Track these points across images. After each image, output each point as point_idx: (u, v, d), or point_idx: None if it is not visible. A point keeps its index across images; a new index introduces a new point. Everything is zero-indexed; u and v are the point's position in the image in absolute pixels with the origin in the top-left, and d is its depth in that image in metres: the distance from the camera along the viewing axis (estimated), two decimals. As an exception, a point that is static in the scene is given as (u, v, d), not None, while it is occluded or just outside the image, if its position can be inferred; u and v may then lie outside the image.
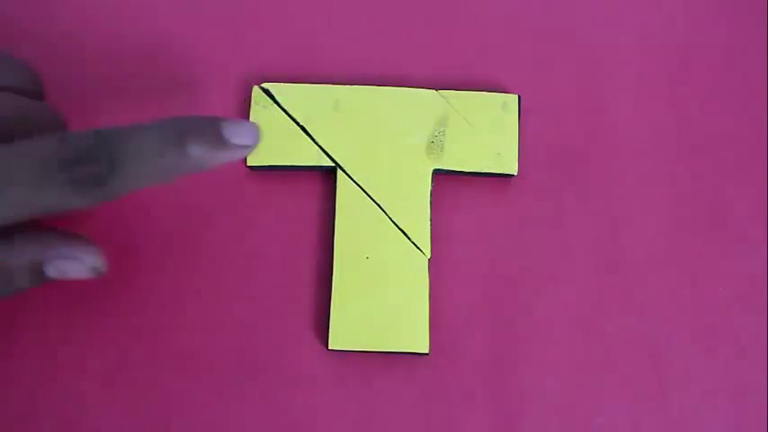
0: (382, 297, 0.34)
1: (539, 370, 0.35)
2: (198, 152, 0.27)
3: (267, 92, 0.36)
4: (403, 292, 0.34)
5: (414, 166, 0.35)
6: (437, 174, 0.36)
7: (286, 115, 0.35)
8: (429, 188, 0.35)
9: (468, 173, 0.35)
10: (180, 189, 0.36)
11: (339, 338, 0.33)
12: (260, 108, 0.35)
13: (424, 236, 0.35)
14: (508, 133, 0.36)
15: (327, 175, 0.36)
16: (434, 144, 0.35)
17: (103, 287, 0.35)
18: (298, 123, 0.35)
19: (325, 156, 0.35)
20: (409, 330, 0.34)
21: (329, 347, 0.34)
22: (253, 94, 0.36)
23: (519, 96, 0.36)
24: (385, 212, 0.35)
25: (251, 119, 0.35)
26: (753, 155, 0.38)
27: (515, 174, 0.36)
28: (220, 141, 0.28)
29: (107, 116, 0.37)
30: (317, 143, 0.35)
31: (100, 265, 0.31)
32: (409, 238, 0.35)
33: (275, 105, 0.35)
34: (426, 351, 0.34)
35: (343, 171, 0.35)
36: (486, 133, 0.36)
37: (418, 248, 0.35)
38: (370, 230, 0.34)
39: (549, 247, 0.36)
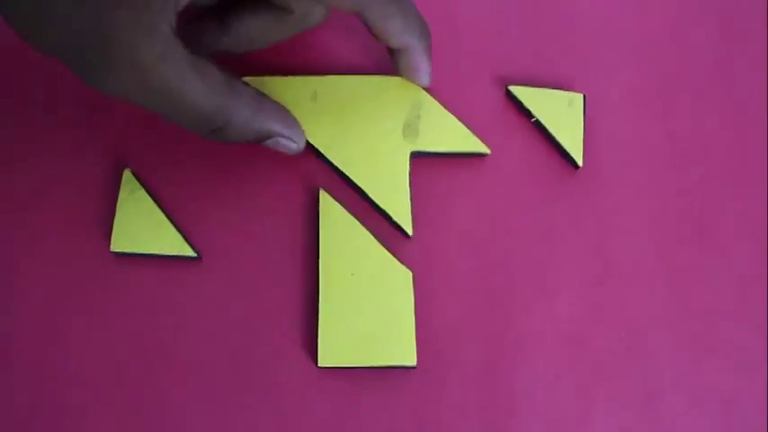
0: (369, 312, 0.35)
1: (528, 381, 0.35)
2: None
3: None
4: (389, 306, 0.35)
5: (391, 148, 0.36)
6: (415, 157, 0.37)
7: (152, 200, 0.35)
8: (407, 169, 0.36)
9: (444, 153, 0.37)
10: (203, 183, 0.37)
11: (328, 355, 0.34)
12: (128, 192, 0.35)
13: (405, 214, 0.36)
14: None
15: (311, 196, 0.36)
16: (410, 127, 0.36)
17: (99, 303, 0.35)
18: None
19: (187, 245, 0.35)
20: (396, 344, 0.34)
21: (318, 364, 0.34)
22: (123, 178, 0.36)
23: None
24: (366, 195, 0.36)
25: (119, 202, 0.35)
26: (740, 168, 0.38)
27: (489, 153, 0.37)
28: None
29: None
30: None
31: (303, 147, 0.35)
32: (391, 219, 0.36)
33: (143, 189, 0.36)
34: (414, 364, 0.34)
35: (324, 158, 0.36)
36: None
37: (401, 229, 0.36)
38: (354, 248, 0.35)
39: (538, 260, 0.37)
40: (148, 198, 0.35)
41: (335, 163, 0.36)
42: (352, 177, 0.36)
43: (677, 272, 0.37)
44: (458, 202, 0.37)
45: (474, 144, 0.37)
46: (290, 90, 0.36)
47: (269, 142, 0.33)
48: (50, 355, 0.35)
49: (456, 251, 0.37)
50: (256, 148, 0.35)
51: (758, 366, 0.36)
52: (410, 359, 0.34)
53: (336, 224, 0.35)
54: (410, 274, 0.35)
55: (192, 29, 0.32)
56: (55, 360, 0.35)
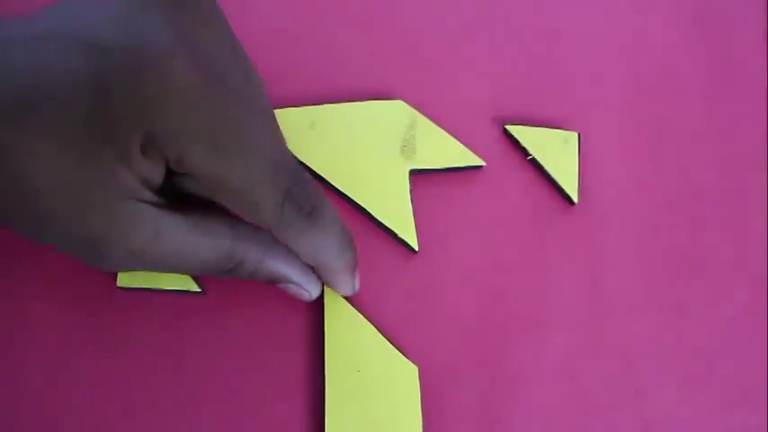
0: (375, 409, 0.35)
1: (524, 416, 0.35)
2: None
3: None
4: (395, 402, 0.35)
5: (391, 168, 0.37)
6: (414, 175, 0.38)
7: None
8: (408, 186, 0.37)
9: (441, 169, 0.38)
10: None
11: None
12: None
13: (409, 229, 0.37)
14: None
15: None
16: (407, 147, 0.38)
17: (105, 337, 0.35)
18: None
19: (191, 281, 0.35)
20: None
21: None
22: None
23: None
24: (370, 214, 0.37)
25: None
26: (734, 205, 0.39)
27: (484, 165, 0.38)
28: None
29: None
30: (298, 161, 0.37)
31: (316, 296, 0.34)
32: (396, 235, 0.37)
33: None
34: None
35: (326, 182, 0.37)
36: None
37: (406, 243, 0.37)
38: (359, 344, 0.35)
39: (533, 294, 0.37)
40: None
41: (338, 187, 0.37)
42: (355, 199, 0.37)
43: (671, 308, 0.37)
44: (454, 238, 0.38)
45: (469, 158, 0.38)
46: (289, 121, 0.37)
47: (280, 285, 0.34)
48: (57, 389, 0.34)
49: (451, 287, 0.37)
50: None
51: (756, 403, 0.36)
52: None
53: (341, 319, 0.36)
54: (416, 369, 0.35)
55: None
56: (61, 393, 0.34)
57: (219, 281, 0.36)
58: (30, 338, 0.35)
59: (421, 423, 0.34)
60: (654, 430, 0.35)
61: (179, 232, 0.29)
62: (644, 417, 0.35)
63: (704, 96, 0.41)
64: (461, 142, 0.38)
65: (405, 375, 0.35)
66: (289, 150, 0.32)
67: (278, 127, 0.32)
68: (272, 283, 0.33)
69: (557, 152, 0.38)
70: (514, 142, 0.39)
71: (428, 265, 0.37)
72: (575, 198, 0.38)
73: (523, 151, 0.39)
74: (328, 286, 0.35)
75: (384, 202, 0.37)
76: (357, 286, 0.35)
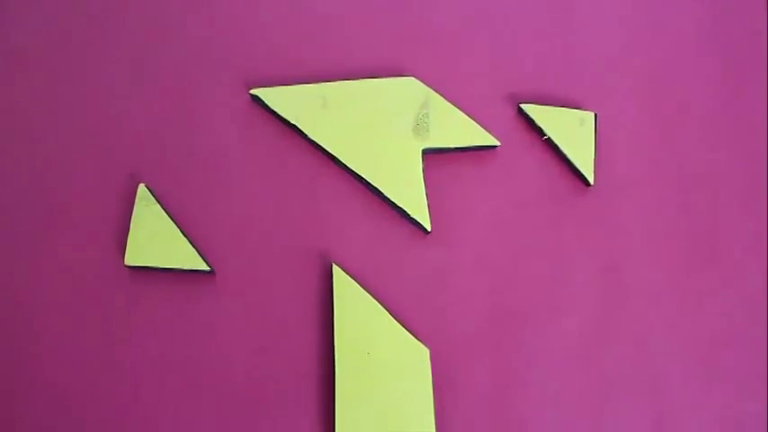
0: (387, 391, 0.34)
1: (537, 400, 0.35)
2: None
3: (258, 98, 0.37)
4: (406, 385, 0.34)
5: (404, 147, 0.37)
6: (427, 154, 0.37)
7: (166, 214, 0.36)
8: (420, 166, 0.37)
9: (455, 148, 0.37)
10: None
11: None
12: (143, 206, 0.36)
13: (421, 209, 0.36)
14: None
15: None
16: (420, 125, 0.37)
17: (113, 316, 0.35)
18: (289, 123, 0.37)
19: (201, 259, 0.35)
20: (416, 423, 0.34)
21: None
22: (138, 192, 0.36)
23: None
24: (382, 194, 0.36)
25: (134, 216, 0.36)
26: (748, 191, 0.38)
27: (498, 144, 0.37)
28: None
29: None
30: (309, 139, 0.37)
31: None
32: (408, 215, 0.36)
33: (158, 204, 0.36)
34: None
35: (338, 161, 0.37)
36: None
37: (419, 223, 0.36)
38: (369, 325, 0.35)
39: (549, 277, 0.37)
40: (163, 212, 0.36)
41: (350, 166, 0.36)
42: (367, 178, 0.36)
43: (686, 292, 0.37)
44: (467, 219, 0.37)
45: (483, 137, 0.37)
46: (300, 98, 0.37)
47: None
48: (65, 368, 0.34)
49: (464, 269, 0.37)
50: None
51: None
52: None
53: (350, 301, 0.35)
54: (427, 351, 0.35)
55: None
56: (70, 372, 0.34)
57: (229, 260, 0.36)
58: (38, 319, 0.35)
59: (433, 405, 0.34)
60: (669, 416, 0.35)
61: None
62: (659, 402, 0.35)
63: (719, 81, 0.40)
64: (475, 121, 0.38)
65: (416, 357, 0.34)
66: None
67: None
68: None
69: (573, 132, 0.38)
70: (529, 122, 0.38)
71: (441, 246, 0.37)
72: (590, 179, 0.37)
73: (539, 131, 0.38)
74: None
75: (396, 182, 0.36)
76: None
